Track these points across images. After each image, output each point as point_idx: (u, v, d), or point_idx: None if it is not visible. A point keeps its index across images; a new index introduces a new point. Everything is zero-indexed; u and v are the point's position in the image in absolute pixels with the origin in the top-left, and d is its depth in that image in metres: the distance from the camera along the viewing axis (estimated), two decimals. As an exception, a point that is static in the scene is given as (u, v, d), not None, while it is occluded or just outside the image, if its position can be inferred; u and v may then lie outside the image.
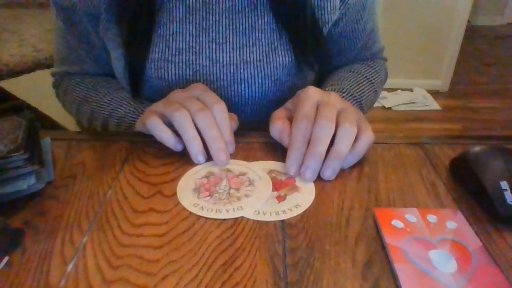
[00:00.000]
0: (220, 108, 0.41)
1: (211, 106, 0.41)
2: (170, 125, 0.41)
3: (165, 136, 0.40)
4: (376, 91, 0.60)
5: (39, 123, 0.42)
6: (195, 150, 0.40)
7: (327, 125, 0.37)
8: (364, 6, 0.55)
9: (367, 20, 0.57)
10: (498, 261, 0.30)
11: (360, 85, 0.57)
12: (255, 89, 0.52)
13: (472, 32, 3.26)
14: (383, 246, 0.31)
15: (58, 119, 1.47)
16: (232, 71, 0.51)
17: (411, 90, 2.41)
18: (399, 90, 2.38)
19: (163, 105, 0.42)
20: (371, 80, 0.59)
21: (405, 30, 2.29)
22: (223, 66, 0.51)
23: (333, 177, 0.38)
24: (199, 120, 0.39)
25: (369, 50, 0.62)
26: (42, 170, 0.37)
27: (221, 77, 0.51)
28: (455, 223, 0.33)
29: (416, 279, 0.27)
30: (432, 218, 0.33)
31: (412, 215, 0.33)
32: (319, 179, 0.38)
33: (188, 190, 0.37)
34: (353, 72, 0.59)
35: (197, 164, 0.41)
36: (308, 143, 0.38)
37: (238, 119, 0.45)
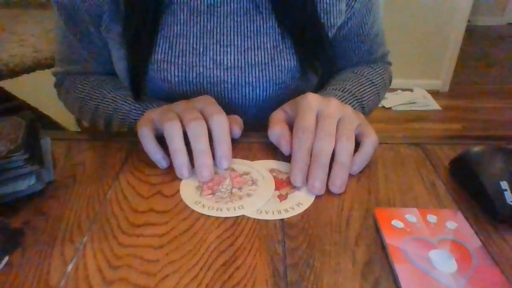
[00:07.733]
0: (219, 120, 0.39)
1: (210, 117, 0.39)
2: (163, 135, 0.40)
3: (152, 150, 0.39)
4: (378, 93, 0.59)
5: (39, 123, 0.42)
6: (178, 162, 0.38)
7: (326, 139, 0.37)
8: (370, 10, 0.55)
9: (372, 24, 0.57)
10: (498, 261, 0.30)
11: (362, 86, 0.56)
12: (259, 92, 0.52)
13: (472, 32, 3.26)
14: (383, 246, 0.31)
15: (58, 119, 1.47)
16: (236, 74, 0.51)
17: (411, 90, 2.41)
18: (399, 90, 2.38)
19: (160, 113, 0.41)
20: (373, 82, 0.58)
21: (405, 30, 2.29)
22: (227, 68, 0.50)
23: (343, 188, 0.37)
24: (189, 131, 0.38)
25: (374, 54, 0.61)
26: (42, 170, 0.37)
27: (225, 79, 0.51)
28: (455, 223, 0.33)
29: (416, 279, 0.27)
30: (432, 218, 0.33)
31: (412, 215, 0.33)
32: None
33: (191, 188, 0.37)
34: (356, 73, 0.59)
35: None
36: (311, 155, 0.37)
37: (242, 123, 0.45)
